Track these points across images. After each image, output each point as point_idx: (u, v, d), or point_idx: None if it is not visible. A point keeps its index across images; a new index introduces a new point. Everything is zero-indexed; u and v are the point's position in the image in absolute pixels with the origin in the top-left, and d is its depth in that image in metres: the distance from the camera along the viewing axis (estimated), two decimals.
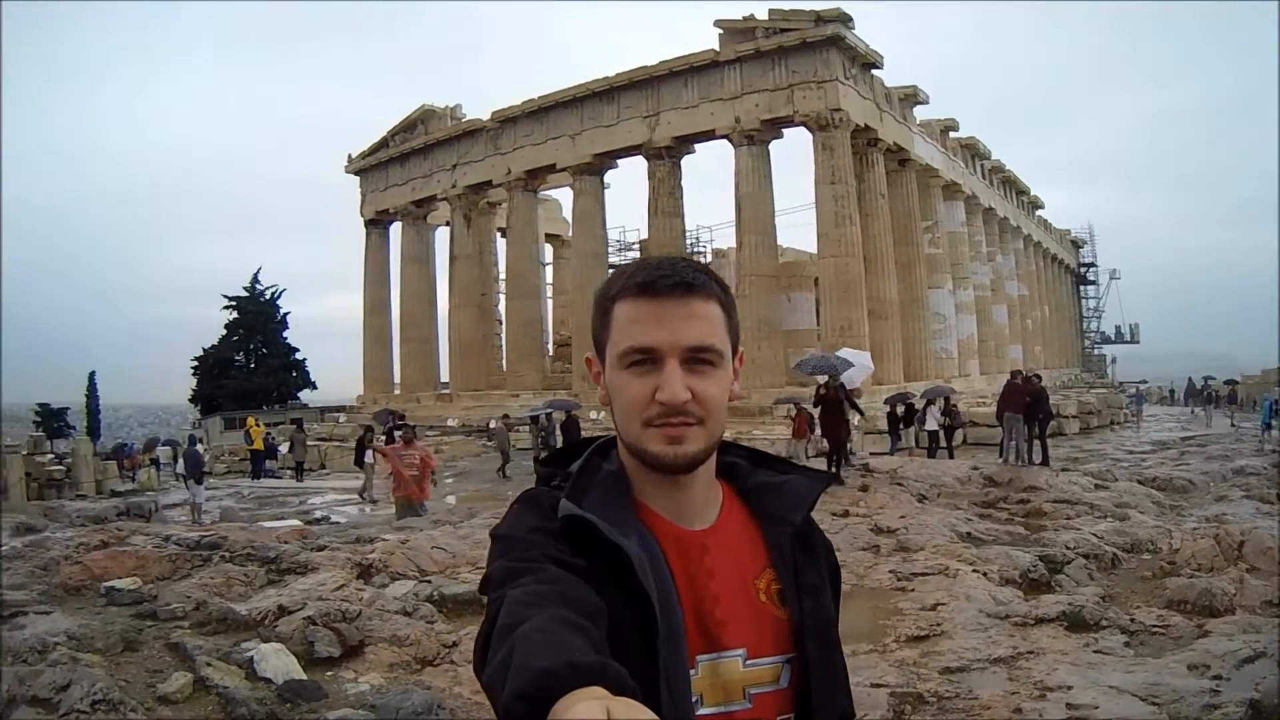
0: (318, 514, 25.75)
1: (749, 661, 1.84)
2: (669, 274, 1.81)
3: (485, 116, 56.18)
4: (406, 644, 9.89)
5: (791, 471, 2.10)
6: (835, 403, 23.06)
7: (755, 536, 1.97)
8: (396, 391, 63.23)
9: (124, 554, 13.86)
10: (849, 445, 25.18)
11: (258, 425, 44.35)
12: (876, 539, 15.50)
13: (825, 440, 23.70)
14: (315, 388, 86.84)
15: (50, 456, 42.75)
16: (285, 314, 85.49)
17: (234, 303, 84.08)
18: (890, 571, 13.38)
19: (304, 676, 9.18)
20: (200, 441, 35.58)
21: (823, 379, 24.49)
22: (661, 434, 1.79)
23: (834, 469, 21.52)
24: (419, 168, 61.02)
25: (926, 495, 20.19)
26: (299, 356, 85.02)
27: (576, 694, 1.21)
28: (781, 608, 1.90)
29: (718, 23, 44.81)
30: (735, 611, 1.84)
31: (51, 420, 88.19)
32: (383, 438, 28.98)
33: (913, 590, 12.48)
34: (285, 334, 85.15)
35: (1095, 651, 9.72)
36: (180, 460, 33.04)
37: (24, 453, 39.38)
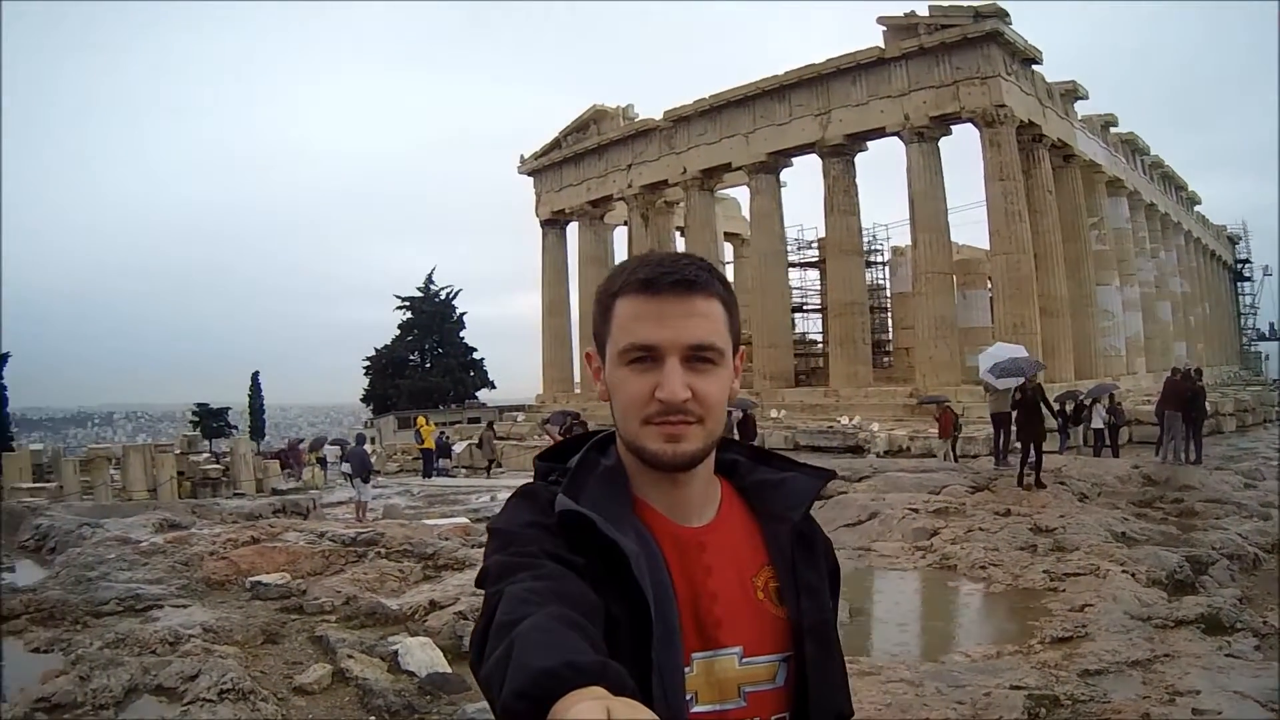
0: (487, 512, 24.61)
1: (745, 660, 1.83)
2: (671, 271, 1.81)
3: (657, 116, 56.13)
4: None
5: (792, 469, 2.09)
6: (1032, 405, 22.30)
7: (754, 534, 1.97)
8: (576, 391, 63.36)
9: (274, 550, 14.56)
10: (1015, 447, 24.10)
11: (429, 424, 44.44)
12: (1034, 538, 15.56)
13: (1019, 443, 22.57)
14: (494, 387, 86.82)
15: (206, 455, 43.57)
16: (462, 314, 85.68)
17: (408, 303, 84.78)
18: (1044, 571, 13.35)
19: (448, 670, 9.31)
20: (369, 441, 36.04)
21: (1011, 382, 23.97)
22: (660, 432, 1.79)
23: (1031, 474, 20.93)
24: (593, 168, 61.04)
25: (1087, 494, 19.92)
26: (477, 356, 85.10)
27: (577, 694, 1.21)
28: (779, 606, 1.89)
29: (881, 19, 44.36)
30: (732, 609, 1.84)
31: (210, 420, 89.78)
32: (560, 438, 29.10)
33: (1063, 590, 12.44)
34: (462, 333, 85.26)
35: (1227, 655, 9.68)
36: (346, 459, 33.26)
37: (177, 452, 40.08)
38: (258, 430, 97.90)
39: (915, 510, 17.38)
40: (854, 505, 18.34)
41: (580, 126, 62.48)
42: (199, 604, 12.45)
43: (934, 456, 30.84)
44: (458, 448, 46.64)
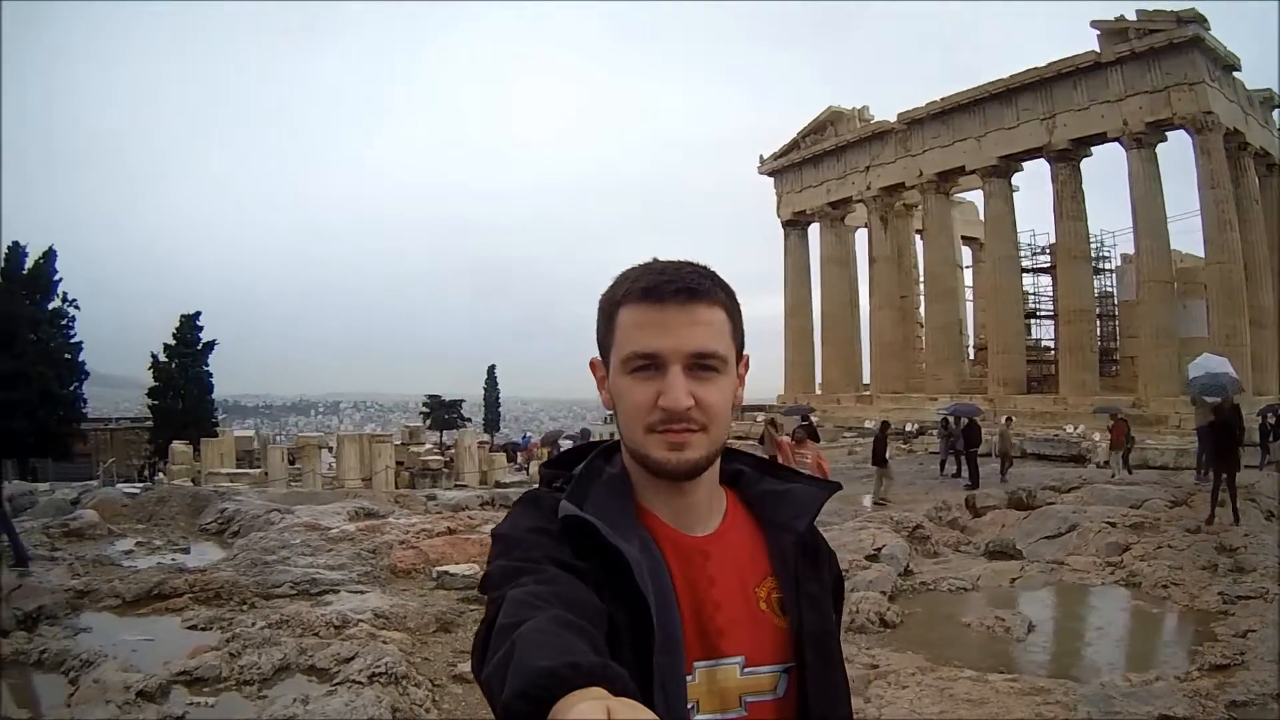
0: None
1: (747, 669, 1.82)
2: (673, 279, 1.80)
3: (891, 118, 56.13)
4: None
5: (797, 480, 2.09)
6: (1227, 428, 19.66)
7: (758, 544, 1.96)
8: (818, 391, 63.51)
9: (468, 541, 14.92)
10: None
11: None
12: (1217, 557, 15.07)
13: (1212, 472, 20.47)
14: None
15: (428, 446, 44.32)
16: None
17: None
18: (1219, 593, 12.83)
19: None
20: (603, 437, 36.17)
21: (1211, 400, 22.76)
22: (664, 440, 1.78)
23: (1222, 503, 18.67)
24: (832, 169, 61.50)
25: (1275, 513, 19.42)
26: None
27: (577, 694, 1.21)
28: (782, 616, 1.88)
29: (1094, 24, 44.23)
30: (735, 619, 1.83)
31: (443, 411, 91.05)
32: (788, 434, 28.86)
33: (1233, 615, 11.92)
34: None
35: None
36: None
37: (397, 442, 40.71)
38: (493, 423, 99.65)
39: (1112, 524, 16.95)
40: (1055, 517, 18.01)
41: (817, 128, 63.19)
42: (378, 591, 12.88)
43: (1151, 468, 30.28)
44: None
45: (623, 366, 1.81)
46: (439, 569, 13.47)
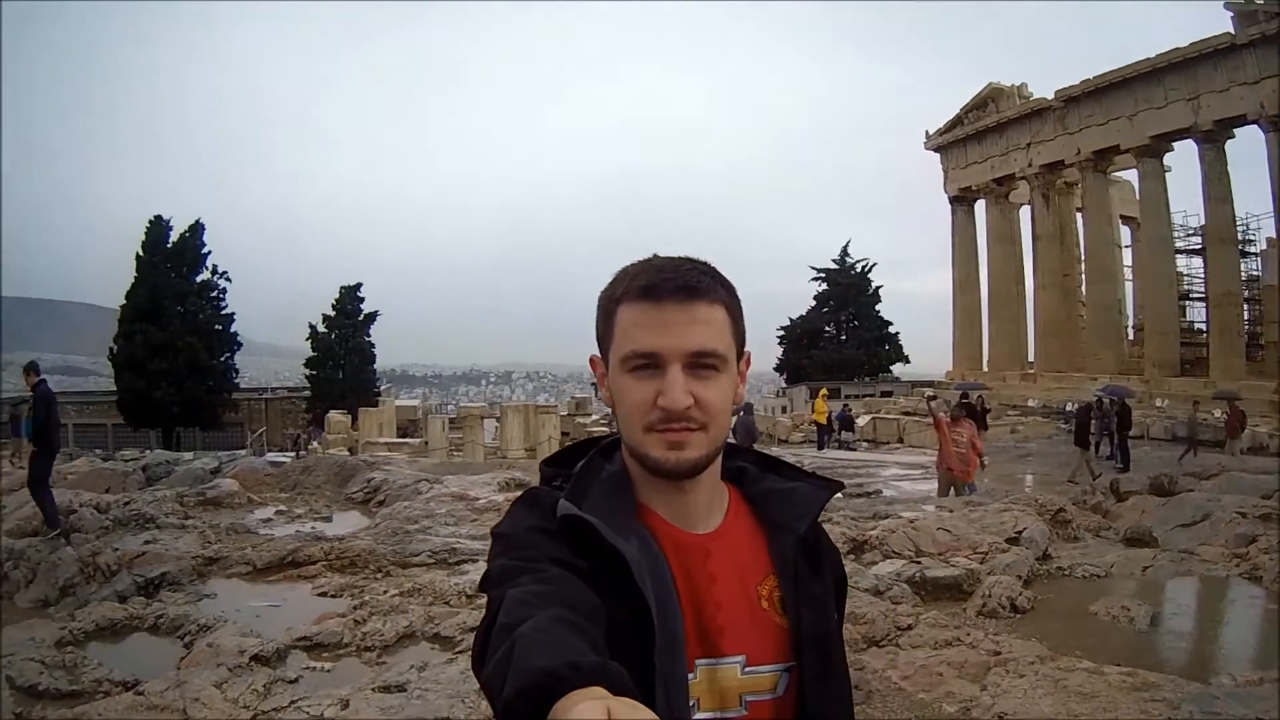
0: (873, 487, 25.25)
1: (747, 669, 1.83)
2: (672, 277, 1.80)
3: (1049, 95, 55.48)
4: (861, 622, 9.77)
5: (800, 478, 2.09)
6: None
7: (759, 542, 1.96)
8: (985, 369, 63.11)
9: None
10: None
11: (824, 400, 44.57)
12: None
13: None
14: (908, 362, 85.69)
15: (595, 418, 44.42)
16: (877, 287, 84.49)
17: (823, 274, 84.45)
18: None
19: None
20: (781, 410, 36.11)
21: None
22: (663, 439, 1.78)
23: None
24: (995, 145, 61.42)
25: None
26: (892, 330, 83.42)
27: (578, 694, 1.21)
28: (783, 616, 1.89)
29: (1228, 5, 43.36)
30: (735, 618, 1.84)
31: None
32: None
33: None
34: (878, 307, 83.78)
35: None
36: (734, 427, 33.22)
37: (563, 413, 40.85)
38: None
39: (1243, 514, 16.52)
40: (1191, 504, 17.68)
41: (979, 104, 63.32)
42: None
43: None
44: (861, 421, 46.74)
45: (622, 365, 1.83)
46: None
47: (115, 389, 60.90)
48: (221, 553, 14.07)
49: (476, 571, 11.95)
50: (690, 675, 1.74)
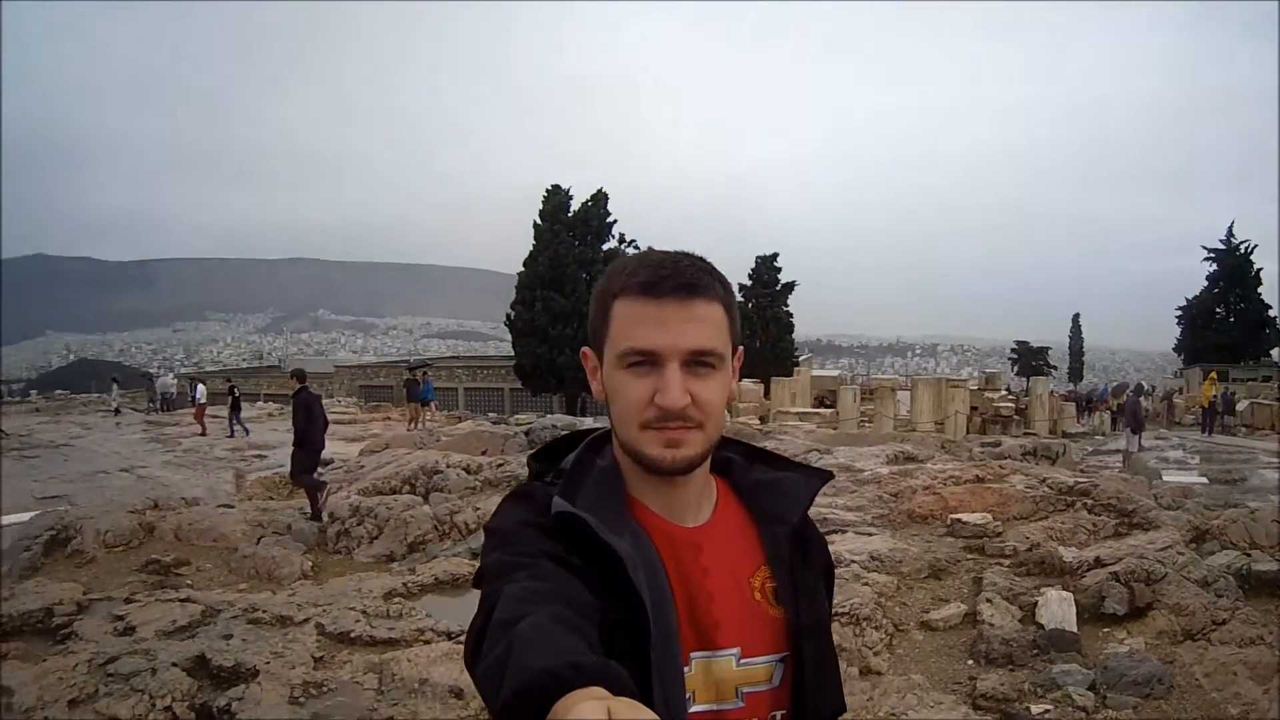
0: (1239, 474, 23.98)
1: (742, 661, 1.79)
2: (671, 274, 1.75)
3: None
4: (1183, 613, 9.32)
5: (789, 468, 2.05)
6: None
7: (750, 534, 1.93)
8: None
9: (986, 490, 14.41)
10: None
11: (1212, 384, 42.51)
12: None
13: None
14: None
15: (1002, 393, 43.82)
16: (1258, 269, 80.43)
17: (1212, 255, 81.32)
18: None
19: (1073, 629, 9.14)
20: (1148, 394, 35.31)
21: None
22: (660, 437, 1.74)
23: None
24: None
25: None
26: (1272, 314, 79.25)
27: (578, 694, 1.17)
28: (776, 606, 1.85)
29: None
30: (729, 611, 1.80)
31: (1029, 358, 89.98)
32: None
33: None
34: (1259, 290, 79.75)
35: None
36: (1120, 409, 32.74)
37: (973, 388, 40.39)
38: (1076, 371, 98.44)
39: None
40: None
41: None
42: (887, 534, 12.73)
43: None
44: (1240, 405, 44.27)
45: (618, 361, 1.77)
46: (953, 516, 13.26)
47: (513, 354, 62.30)
48: None
49: (843, 543, 11.94)
50: (686, 669, 1.72)
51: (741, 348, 1.90)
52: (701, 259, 1.82)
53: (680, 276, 1.73)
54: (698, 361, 1.72)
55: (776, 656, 1.82)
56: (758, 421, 33.45)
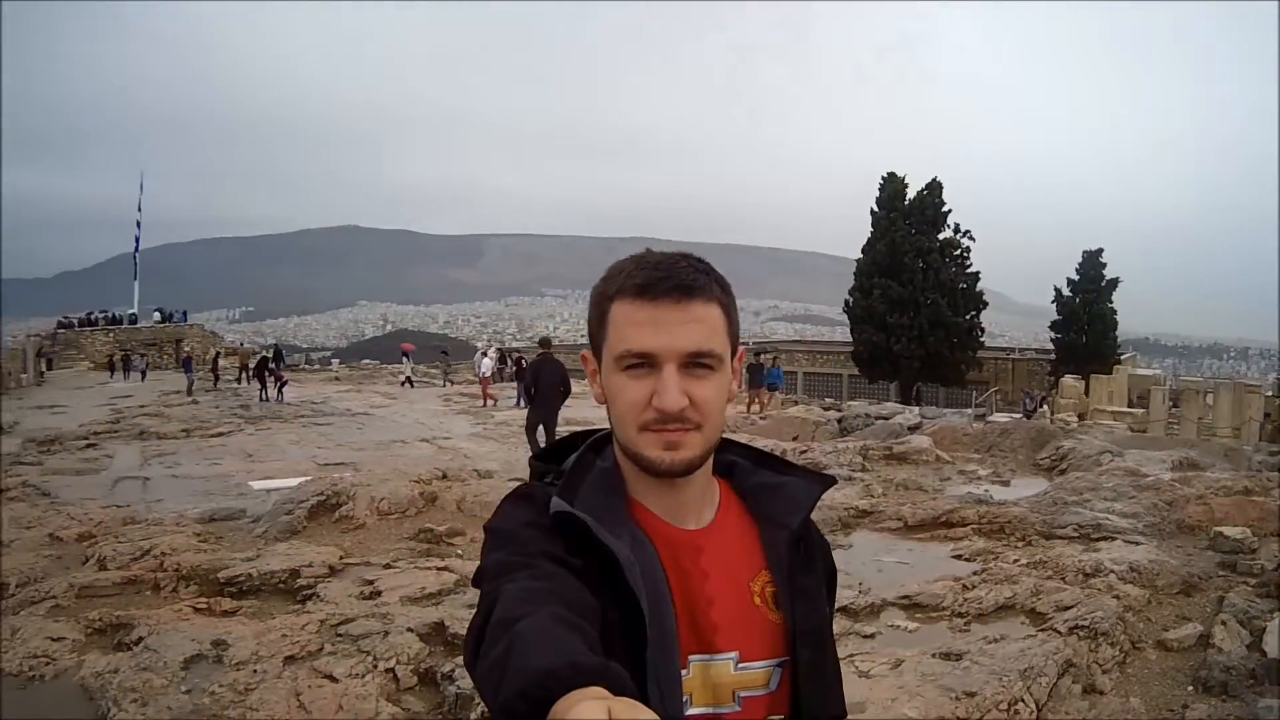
0: None
1: (740, 665, 1.82)
2: (668, 275, 1.77)
3: None
4: None
5: (792, 472, 2.05)
6: None
7: (752, 538, 1.94)
8: None
9: (1250, 504, 13.70)
10: None
11: None
12: None
13: None
14: None
15: None
16: None
17: None
18: None
19: None
20: None
21: None
22: (658, 439, 1.76)
23: None
24: None
25: None
26: None
27: (578, 694, 1.19)
28: (776, 611, 1.87)
29: None
30: (728, 614, 1.82)
31: None
32: None
33: None
34: None
35: None
36: None
37: (1267, 393, 38.47)
38: None
39: None
40: None
41: None
42: (1153, 543, 12.29)
43: None
44: None
45: (616, 363, 1.79)
46: (1216, 529, 12.49)
47: (851, 340, 62.39)
48: (879, 506, 14.46)
49: (1109, 550, 11.67)
50: (683, 671, 1.74)
51: (742, 347, 1.93)
52: (700, 260, 1.86)
53: (676, 278, 1.76)
54: (695, 363, 1.75)
55: (775, 661, 1.85)
56: (1075, 419, 32.82)
